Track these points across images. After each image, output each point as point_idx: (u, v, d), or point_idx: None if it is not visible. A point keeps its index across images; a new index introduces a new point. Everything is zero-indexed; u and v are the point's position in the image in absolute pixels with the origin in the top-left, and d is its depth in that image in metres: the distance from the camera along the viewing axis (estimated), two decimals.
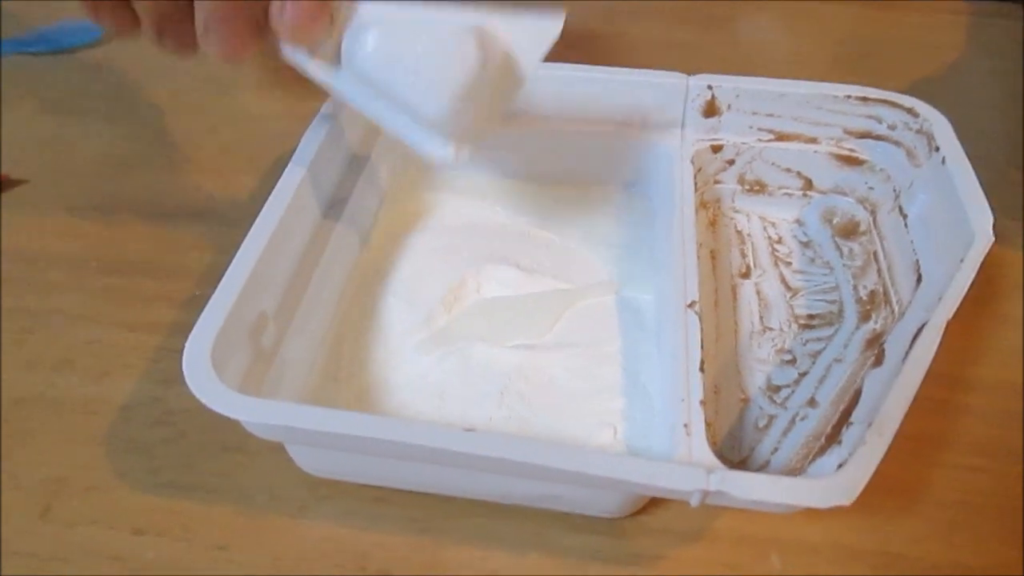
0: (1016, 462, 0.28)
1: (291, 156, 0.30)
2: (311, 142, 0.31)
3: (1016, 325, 0.32)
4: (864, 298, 0.32)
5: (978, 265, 0.27)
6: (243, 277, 0.25)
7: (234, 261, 0.26)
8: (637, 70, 0.35)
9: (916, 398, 0.28)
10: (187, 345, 0.23)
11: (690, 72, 0.34)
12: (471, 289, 0.32)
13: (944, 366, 0.30)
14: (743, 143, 0.35)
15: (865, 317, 0.32)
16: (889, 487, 0.27)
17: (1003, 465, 0.28)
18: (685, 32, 0.50)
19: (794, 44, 0.50)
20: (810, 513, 0.25)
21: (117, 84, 0.46)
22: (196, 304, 0.25)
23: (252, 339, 0.26)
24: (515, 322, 0.31)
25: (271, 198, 0.28)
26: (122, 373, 0.30)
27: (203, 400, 0.22)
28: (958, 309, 0.31)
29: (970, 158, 0.30)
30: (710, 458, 0.23)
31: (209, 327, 0.24)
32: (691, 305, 0.27)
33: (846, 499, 0.20)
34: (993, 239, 0.27)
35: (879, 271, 0.33)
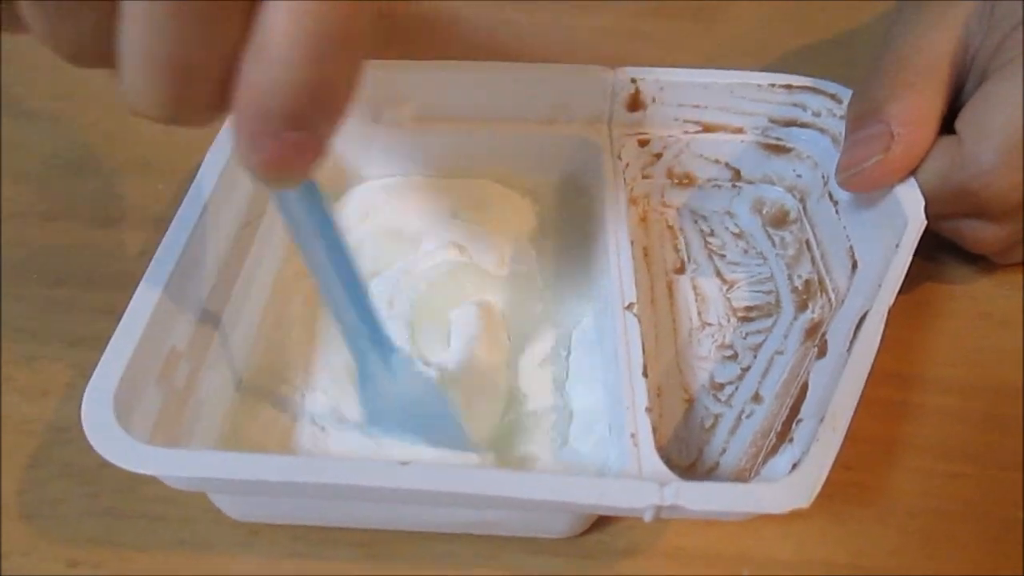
0: (1003, 467, 0.26)
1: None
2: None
3: (996, 324, 0.31)
4: (799, 287, 0.32)
5: (913, 249, 0.26)
6: (147, 312, 0.23)
7: (135, 294, 0.24)
8: (559, 65, 0.34)
9: (885, 401, 0.28)
10: (86, 394, 0.21)
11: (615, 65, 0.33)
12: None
13: (917, 367, 0.29)
14: (670, 136, 0.35)
15: (802, 307, 0.31)
16: (861, 497, 0.26)
17: (986, 470, 0.26)
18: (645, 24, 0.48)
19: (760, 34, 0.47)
20: (781, 528, 0.25)
21: (65, 82, 0.42)
22: None
23: (162, 381, 0.23)
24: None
25: (178, 215, 0.26)
26: (62, 392, 0.28)
27: (107, 457, 0.20)
28: (927, 306, 0.31)
29: None
30: (661, 469, 0.21)
31: (110, 372, 0.21)
32: (629, 307, 0.26)
33: (804, 501, 0.20)
34: (926, 221, 0.27)
35: (812, 259, 0.32)
